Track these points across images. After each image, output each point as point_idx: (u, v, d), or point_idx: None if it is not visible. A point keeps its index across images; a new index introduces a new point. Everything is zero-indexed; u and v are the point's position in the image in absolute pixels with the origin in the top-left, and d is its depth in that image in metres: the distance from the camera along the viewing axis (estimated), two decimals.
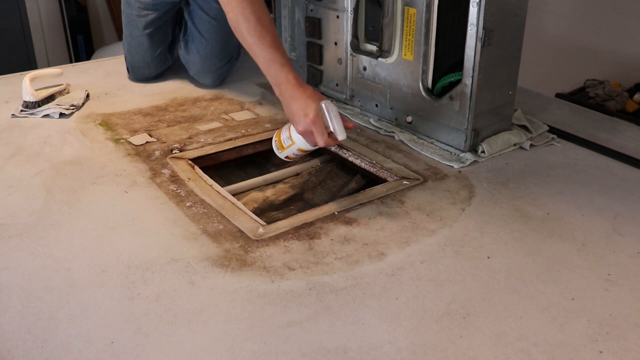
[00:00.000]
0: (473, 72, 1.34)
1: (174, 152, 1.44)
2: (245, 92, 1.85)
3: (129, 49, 1.89)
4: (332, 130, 1.18)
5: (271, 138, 1.31)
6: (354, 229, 1.15)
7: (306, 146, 1.24)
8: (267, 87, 1.89)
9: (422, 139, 1.50)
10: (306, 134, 1.20)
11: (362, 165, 1.44)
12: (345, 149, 1.49)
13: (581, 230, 1.16)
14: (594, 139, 1.53)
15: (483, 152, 1.42)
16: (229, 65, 1.90)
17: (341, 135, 1.18)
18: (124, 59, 1.94)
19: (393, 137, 1.53)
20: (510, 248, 1.11)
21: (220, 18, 1.82)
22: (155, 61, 1.89)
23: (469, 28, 1.32)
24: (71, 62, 3.14)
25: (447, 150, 1.44)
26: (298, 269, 1.04)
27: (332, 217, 1.19)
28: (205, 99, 1.79)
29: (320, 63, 1.75)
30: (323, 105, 1.19)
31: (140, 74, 1.91)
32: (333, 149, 1.51)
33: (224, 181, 1.42)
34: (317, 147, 1.24)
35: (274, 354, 0.86)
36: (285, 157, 1.30)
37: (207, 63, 1.85)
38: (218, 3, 1.81)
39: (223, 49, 1.86)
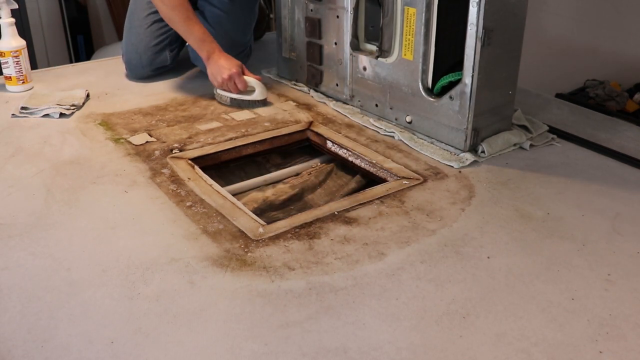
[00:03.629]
0: (473, 72, 1.34)
1: (174, 151, 1.44)
2: None
3: (127, 39, 1.90)
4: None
5: (269, 138, 1.33)
6: (354, 229, 1.15)
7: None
8: (266, 86, 1.88)
9: (422, 139, 1.50)
10: (224, 84, 1.73)
11: (362, 165, 1.44)
12: (345, 149, 1.49)
13: (581, 230, 1.16)
14: (594, 139, 1.53)
15: (483, 152, 1.42)
16: (238, 58, 1.87)
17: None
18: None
19: (393, 137, 1.53)
20: (510, 248, 1.11)
21: (229, 11, 1.84)
22: (148, 53, 1.88)
23: (469, 28, 1.32)
24: (71, 62, 3.14)
25: (447, 150, 1.44)
26: (298, 269, 1.04)
27: (332, 217, 1.19)
28: (205, 98, 1.79)
29: (320, 63, 1.75)
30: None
31: (133, 67, 1.91)
32: (333, 149, 1.51)
33: (224, 181, 1.42)
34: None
35: (274, 354, 0.86)
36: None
37: None
38: None
39: (232, 39, 1.88)
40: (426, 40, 1.43)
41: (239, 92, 1.72)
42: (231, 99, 1.73)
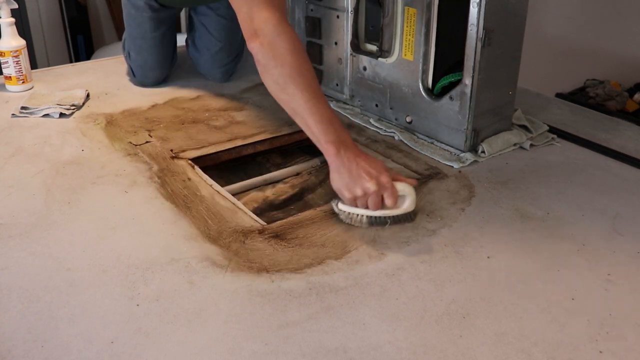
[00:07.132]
0: (473, 72, 1.34)
1: (174, 151, 1.44)
2: (246, 91, 1.84)
3: (141, 51, 1.83)
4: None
5: (269, 138, 1.31)
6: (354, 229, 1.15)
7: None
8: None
9: (422, 139, 1.50)
10: (364, 199, 1.10)
11: None
12: None
13: (581, 230, 1.16)
14: (594, 139, 1.53)
15: (483, 152, 1.42)
16: (236, 61, 1.92)
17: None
18: (124, 59, 1.93)
19: (393, 137, 1.53)
20: (510, 248, 1.11)
21: (227, 16, 1.82)
22: (168, 60, 1.87)
23: (469, 28, 1.32)
24: (71, 62, 3.15)
25: (447, 150, 1.44)
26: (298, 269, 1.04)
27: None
28: (205, 98, 1.79)
29: (320, 63, 1.75)
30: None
31: (150, 83, 1.86)
32: None
33: (224, 181, 1.42)
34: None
35: (274, 354, 0.86)
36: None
37: (217, 60, 1.87)
38: (225, 0, 1.81)
39: (231, 45, 1.88)
40: (426, 40, 1.43)
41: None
42: (371, 218, 1.13)
